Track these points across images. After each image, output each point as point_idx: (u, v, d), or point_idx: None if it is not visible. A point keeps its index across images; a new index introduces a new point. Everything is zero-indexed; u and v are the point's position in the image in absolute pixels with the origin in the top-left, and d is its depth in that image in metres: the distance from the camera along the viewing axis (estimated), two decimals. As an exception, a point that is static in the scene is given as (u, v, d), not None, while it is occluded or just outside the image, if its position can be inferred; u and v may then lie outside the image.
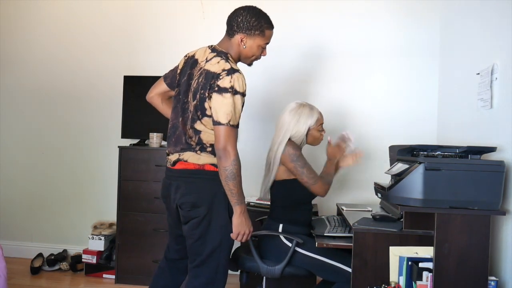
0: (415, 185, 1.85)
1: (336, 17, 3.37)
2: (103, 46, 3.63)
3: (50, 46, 3.69)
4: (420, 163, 1.85)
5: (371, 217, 2.16)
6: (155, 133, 3.18)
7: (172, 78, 2.12)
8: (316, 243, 2.09)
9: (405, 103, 3.29)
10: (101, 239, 3.32)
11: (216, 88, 1.84)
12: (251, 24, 1.96)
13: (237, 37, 1.98)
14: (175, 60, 2.15)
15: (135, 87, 3.32)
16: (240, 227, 1.92)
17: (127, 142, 3.39)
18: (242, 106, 1.90)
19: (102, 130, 3.62)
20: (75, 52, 3.66)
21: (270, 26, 2.02)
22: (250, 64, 2.10)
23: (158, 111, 2.24)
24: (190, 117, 1.93)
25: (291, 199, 2.30)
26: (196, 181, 1.92)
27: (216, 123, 1.84)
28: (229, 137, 1.83)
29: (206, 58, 1.95)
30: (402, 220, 1.98)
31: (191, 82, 1.95)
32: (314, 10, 3.38)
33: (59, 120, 3.69)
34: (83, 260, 3.33)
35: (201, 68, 1.94)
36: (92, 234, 3.35)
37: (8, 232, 3.69)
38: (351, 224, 2.05)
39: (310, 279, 2.55)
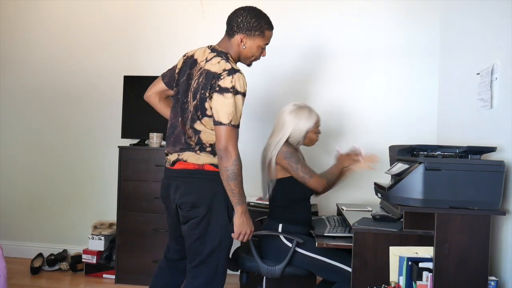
0: (415, 185, 1.85)
1: (336, 17, 3.37)
2: (103, 46, 3.63)
3: (50, 46, 3.69)
4: (420, 163, 1.85)
5: (371, 217, 2.16)
6: (155, 133, 3.18)
7: (170, 77, 2.12)
8: (316, 243, 2.09)
9: (405, 103, 3.29)
10: (101, 239, 3.32)
11: (217, 88, 1.84)
12: (251, 24, 1.96)
13: (237, 37, 1.98)
14: (175, 60, 2.15)
15: (135, 87, 3.32)
16: (241, 227, 1.92)
17: (127, 142, 3.39)
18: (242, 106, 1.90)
19: (102, 130, 3.62)
20: (75, 52, 3.66)
21: (270, 27, 2.03)
22: (249, 65, 2.10)
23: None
24: (189, 117, 1.93)
25: (289, 198, 2.30)
26: (196, 181, 1.92)
27: (217, 123, 1.84)
28: (230, 137, 1.83)
29: (206, 58, 1.95)
30: (402, 220, 1.98)
31: (191, 82, 1.95)
32: (314, 10, 3.38)
33: (59, 120, 3.69)
34: (83, 260, 3.33)
35: (201, 68, 1.93)
36: (92, 234, 3.35)
37: (8, 232, 3.69)
38: (351, 224, 2.05)
39: (310, 279, 2.55)
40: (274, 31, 2.06)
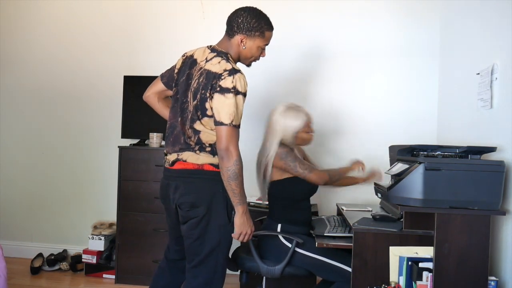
0: (415, 185, 1.85)
1: (336, 17, 3.37)
2: (103, 46, 3.63)
3: (50, 46, 3.69)
4: (420, 163, 1.85)
5: (371, 217, 2.16)
6: (155, 133, 3.18)
7: (169, 77, 2.12)
8: (316, 243, 2.09)
9: (405, 103, 3.29)
10: (101, 239, 3.32)
11: (218, 89, 1.84)
12: (251, 25, 1.96)
13: (237, 37, 1.98)
14: (175, 60, 2.15)
15: (135, 87, 3.31)
16: (242, 227, 1.92)
17: (127, 142, 3.39)
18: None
19: (102, 130, 3.62)
20: (75, 52, 3.66)
21: (270, 27, 2.03)
22: (248, 65, 2.10)
23: (157, 110, 2.24)
24: (189, 117, 1.93)
25: (288, 198, 2.30)
26: (195, 181, 1.92)
27: (218, 123, 1.83)
28: (231, 137, 1.83)
29: (206, 58, 1.95)
30: (402, 220, 1.98)
31: (191, 82, 1.95)
32: (314, 10, 3.38)
33: (59, 120, 3.68)
34: (83, 260, 3.33)
35: (201, 68, 1.93)
36: (92, 234, 3.35)
37: (8, 232, 3.69)
38: (351, 224, 2.05)
39: (310, 279, 2.55)
40: (274, 31, 2.06)
